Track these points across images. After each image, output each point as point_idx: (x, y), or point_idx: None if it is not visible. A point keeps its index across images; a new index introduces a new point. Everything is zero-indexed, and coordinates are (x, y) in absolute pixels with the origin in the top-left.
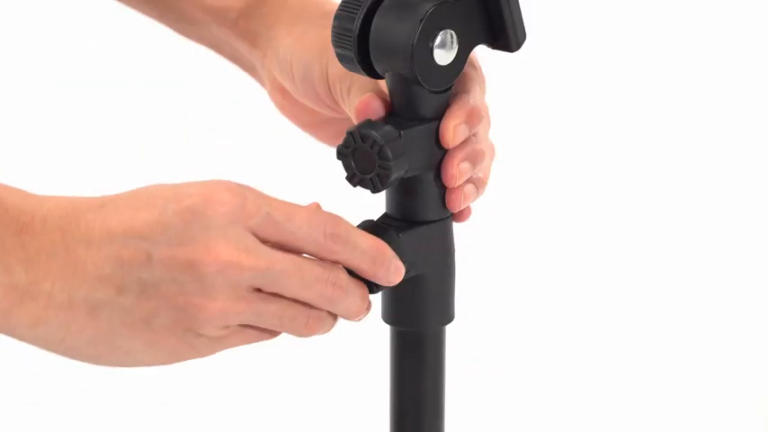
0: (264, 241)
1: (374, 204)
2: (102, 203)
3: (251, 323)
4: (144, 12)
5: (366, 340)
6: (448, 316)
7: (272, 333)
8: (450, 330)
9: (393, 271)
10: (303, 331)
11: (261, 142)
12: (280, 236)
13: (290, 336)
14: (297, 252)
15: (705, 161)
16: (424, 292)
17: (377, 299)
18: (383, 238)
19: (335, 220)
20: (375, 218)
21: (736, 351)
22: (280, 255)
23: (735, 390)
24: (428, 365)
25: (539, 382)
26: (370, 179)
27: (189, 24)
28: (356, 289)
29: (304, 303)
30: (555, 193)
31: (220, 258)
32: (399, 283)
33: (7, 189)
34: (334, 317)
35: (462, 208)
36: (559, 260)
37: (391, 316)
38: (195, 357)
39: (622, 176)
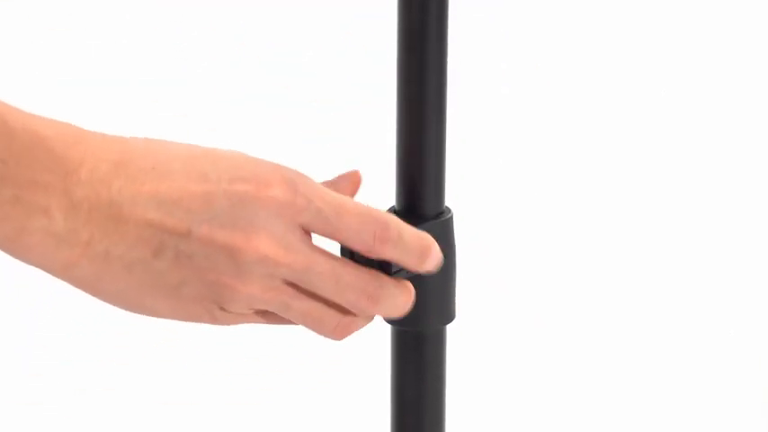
0: (312, 232)
1: (376, 200)
2: (155, 165)
3: (277, 312)
4: None
5: (366, 340)
6: (449, 315)
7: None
8: (451, 330)
9: (436, 262)
10: (329, 334)
11: (261, 142)
12: (328, 231)
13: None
14: (344, 245)
15: (706, 158)
16: (425, 292)
17: None
18: None
19: (386, 222)
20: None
21: (737, 350)
22: (320, 256)
23: (735, 388)
24: (429, 365)
25: (539, 382)
26: None
27: None
28: (399, 292)
29: (339, 307)
30: (555, 192)
31: (259, 251)
32: None
33: (56, 130)
34: (370, 318)
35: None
36: (560, 260)
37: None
38: (213, 324)
39: (623, 176)
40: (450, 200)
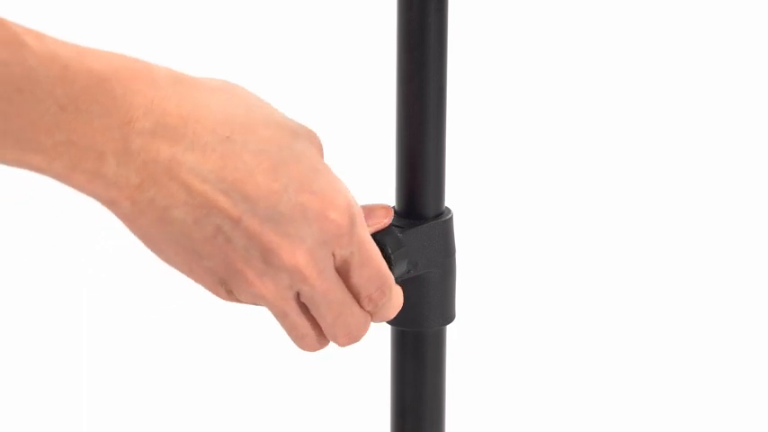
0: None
1: (379, 201)
2: (229, 135)
3: (273, 314)
4: None
5: (366, 340)
6: (449, 316)
7: None
8: (451, 330)
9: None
10: (303, 347)
11: None
12: (343, 270)
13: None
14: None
15: (706, 158)
16: (426, 292)
17: None
18: (385, 237)
19: (383, 290)
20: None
21: (737, 350)
22: (338, 286)
23: (735, 388)
24: (429, 365)
25: (539, 383)
26: None
27: None
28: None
29: (320, 329)
30: (555, 192)
31: (297, 265)
32: (400, 283)
33: (119, 68)
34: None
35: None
36: (559, 260)
37: None
38: (210, 292)
39: (623, 176)
40: (451, 200)
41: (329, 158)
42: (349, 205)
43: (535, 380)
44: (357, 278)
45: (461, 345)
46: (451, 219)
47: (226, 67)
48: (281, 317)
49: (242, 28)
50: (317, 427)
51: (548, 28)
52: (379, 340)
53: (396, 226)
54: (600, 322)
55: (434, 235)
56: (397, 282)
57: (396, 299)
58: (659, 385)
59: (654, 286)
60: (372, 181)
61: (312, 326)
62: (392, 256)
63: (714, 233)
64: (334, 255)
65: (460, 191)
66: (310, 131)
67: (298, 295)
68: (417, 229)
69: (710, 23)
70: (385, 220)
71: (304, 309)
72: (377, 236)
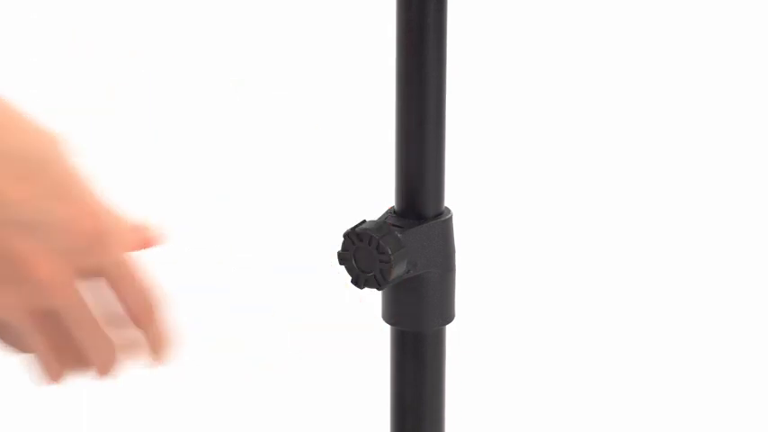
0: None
1: (379, 201)
2: None
3: (14, 327)
4: None
5: (366, 340)
6: (448, 315)
7: None
8: (450, 330)
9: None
10: (46, 377)
11: (261, 143)
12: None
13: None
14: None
15: (706, 158)
16: (425, 292)
17: (377, 299)
18: (384, 238)
19: (145, 312)
20: (376, 216)
21: (737, 350)
22: (77, 297)
23: (735, 389)
24: (428, 365)
25: (539, 383)
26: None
27: None
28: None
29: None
30: (555, 192)
31: (40, 272)
32: (400, 283)
33: None
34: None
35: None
36: (559, 260)
37: (392, 316)
38: None
39: (623, 176)
40: (450, 200)
41: (330, 158)
42: (96, 215)
43: (535, 380)
44: (118, 293)
45: (461, 345)
46: (451, 219)
47: (227, 68)
48: (22, 331)
49: (242, 28)
50: (317, 427)
51: (547, 28)
52: (379, 340)
53: (395, 226)
54: (599, 322)
55: (434, 235)
56: (397, 282)
57: (160, 331)
58: (658, 385)
59: (653, 286)
60: (372, 181)
61: (50, 347)
62: (392, 257)
63: (713, 234)
64: (85, 269)
65: (460, 191)
66: (58, 135)
67: (43, 318)
68: (417, 229)
69: (710, 23)
70: (150, 237)
71: (47, 330)
72: (376, 236)
